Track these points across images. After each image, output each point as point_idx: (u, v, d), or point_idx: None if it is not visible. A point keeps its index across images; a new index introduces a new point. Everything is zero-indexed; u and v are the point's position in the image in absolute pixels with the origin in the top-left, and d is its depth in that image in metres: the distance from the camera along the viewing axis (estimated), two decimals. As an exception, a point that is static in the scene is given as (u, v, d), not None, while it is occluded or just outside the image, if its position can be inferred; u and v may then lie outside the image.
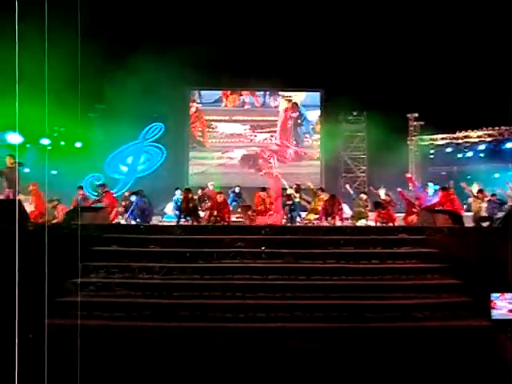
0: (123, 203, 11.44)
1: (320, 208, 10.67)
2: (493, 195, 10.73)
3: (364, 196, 11.49)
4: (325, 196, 11.10)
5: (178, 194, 11.18)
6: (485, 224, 9.82)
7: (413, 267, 6.83)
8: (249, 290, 6.28)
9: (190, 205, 10.24)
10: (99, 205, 10.29)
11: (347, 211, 12.72)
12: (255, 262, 6.87)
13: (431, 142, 18.80)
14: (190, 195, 10.44)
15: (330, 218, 10.44)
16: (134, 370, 4.60)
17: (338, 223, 10.26)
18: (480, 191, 10.82)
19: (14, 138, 11.43)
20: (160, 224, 10.13)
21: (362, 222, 10.92)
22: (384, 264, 6.90)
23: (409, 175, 14.33)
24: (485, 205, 10.45)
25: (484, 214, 10.40)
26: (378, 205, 10.77)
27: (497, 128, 17.09)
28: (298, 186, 12.32)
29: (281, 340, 5.41)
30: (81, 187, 11.32)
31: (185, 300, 6.13)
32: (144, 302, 6.11)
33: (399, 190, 11.27)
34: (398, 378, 4.45)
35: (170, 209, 12.84)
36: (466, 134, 17.73)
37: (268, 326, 5.69)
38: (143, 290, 6.31)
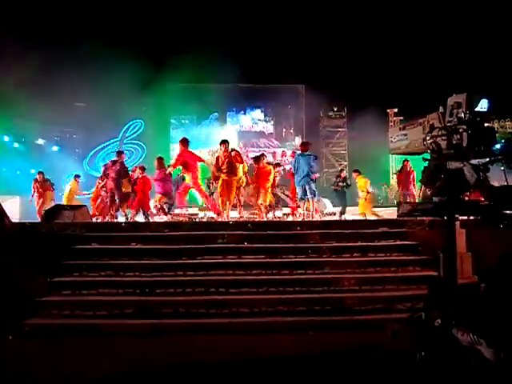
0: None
1: None
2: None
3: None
4: None
5: None
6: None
7: (394, 260, 6.91)
8: (232, 285, 6.27)
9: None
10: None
11: (329, 207, 12.82)
12: (238, 258, 6.85)
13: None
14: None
15: None
16: (118, 370, 4.54)
17: None
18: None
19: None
20: (141, 221, 10.01)
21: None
22: (366, 257, 6.96)
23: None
24: None
25: None
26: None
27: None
28: None
29: (265, 334, 5.41)
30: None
31: (168, 297, 6.08)
32: (126, 299, 6.04)
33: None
34: (383, 372, 4.48)
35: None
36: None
37: (252, 320, 5.71)
38: (125, 287, 6.24)
